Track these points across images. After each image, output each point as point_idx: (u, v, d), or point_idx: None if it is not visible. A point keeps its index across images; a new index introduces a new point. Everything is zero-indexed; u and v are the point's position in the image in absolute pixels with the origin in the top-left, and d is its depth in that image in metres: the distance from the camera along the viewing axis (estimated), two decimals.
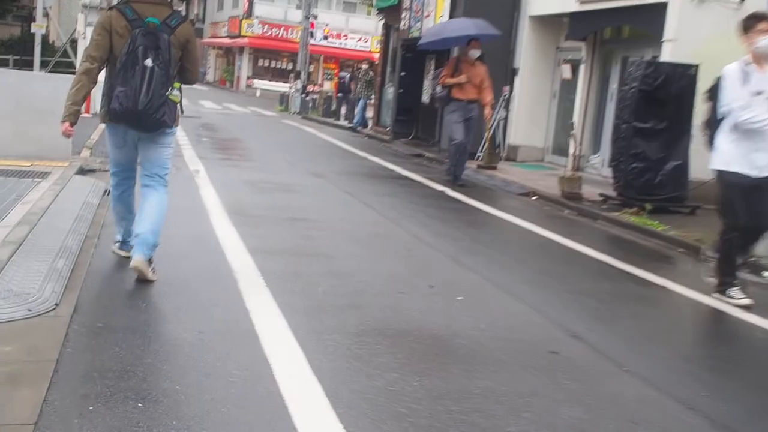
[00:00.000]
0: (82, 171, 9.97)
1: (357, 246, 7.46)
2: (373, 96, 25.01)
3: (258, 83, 49.89)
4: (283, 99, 35.80)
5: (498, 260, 7.60)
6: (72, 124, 5.37)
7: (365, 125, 24.96)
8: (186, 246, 6.77)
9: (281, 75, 52.35)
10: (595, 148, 16.13)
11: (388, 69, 24.50)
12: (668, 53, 12.88)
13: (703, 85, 11.93)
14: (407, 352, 4.59)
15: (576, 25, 15.86)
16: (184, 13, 5.85)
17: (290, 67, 50.82)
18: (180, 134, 12.76)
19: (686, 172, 12.03)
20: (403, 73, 21.67)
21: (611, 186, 12.46)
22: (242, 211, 8.65)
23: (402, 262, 7.00)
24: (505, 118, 17.34)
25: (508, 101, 17.32)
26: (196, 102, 30.62)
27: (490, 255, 7.84)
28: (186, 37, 5.49)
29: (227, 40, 55.02)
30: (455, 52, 16.32)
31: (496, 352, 4.74)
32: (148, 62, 5.17)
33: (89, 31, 19.49)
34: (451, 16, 17.71)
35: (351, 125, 25.25)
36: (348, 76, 28.79)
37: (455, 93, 13.12)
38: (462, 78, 13.07)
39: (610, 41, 16.03)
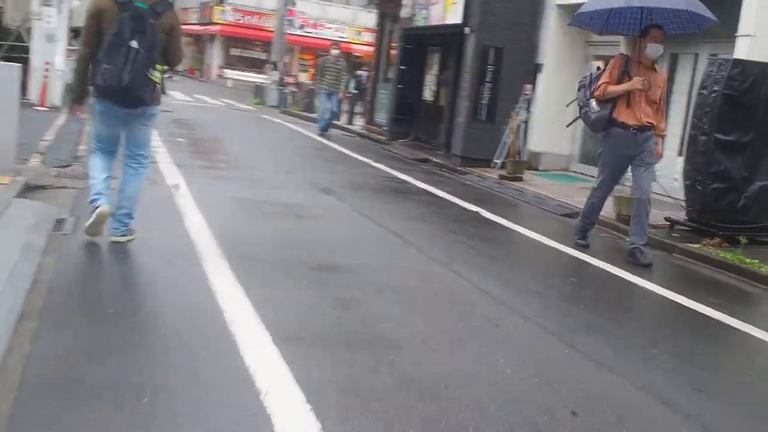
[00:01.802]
0: (28, 189, 7.60)
1: (421, 317, 5.16)
2: (340, 90, 19.97)
3: (230, 73, 47.26)
4: (259, 91, 33.45)
5: (618, 336, 5.35)
6: (80, 105, 6.08)
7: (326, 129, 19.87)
8: (176, 328, 4.46)
9: (254, 65, 49.91)
10: None
11: (383, 63, 22.21)
12: (744, 51, 10.73)
13: None
14: None
15: None
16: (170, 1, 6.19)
17: (264, 57, 48.39)
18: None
19: None
20: (402, 68, 19.36)
21: (679, 207, 10.36)
22: (245, 253, 6.34)
23: (498, 348, 4.71)
24: (526, 121, 15.10)
25: (530, 102, 15.06)
26: (166, 93, 28.06)
27: (600, 326, 5.58)
28: (171, 23, 5.92)
29: (198, 27, 52.29)
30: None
31: None
32: (134, 44, 5.54)
33: (46, 12, 17.05)
34: (466, 2, 15.42)
35: (322, 128, 19.75)
36: (366, 75, 25.28)
37: (620, 114, 7.96)
38: (636, 83, 7.86)
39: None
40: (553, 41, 15.12)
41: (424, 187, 11.99)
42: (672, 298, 6.68)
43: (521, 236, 9.01)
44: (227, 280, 5.40)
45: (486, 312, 5.52)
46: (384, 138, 19.54)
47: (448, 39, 17.49)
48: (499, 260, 7.50)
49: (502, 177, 13.72)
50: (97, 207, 5.91)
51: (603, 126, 8.17)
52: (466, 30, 15.33)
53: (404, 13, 18.66)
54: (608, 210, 10.74)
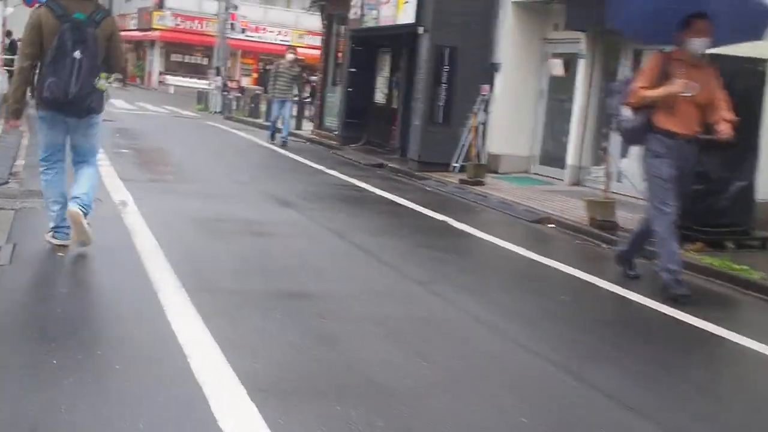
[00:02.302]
0: None
1: (412, 354, 4.54)
2: (292, 96, 18.69)
3: (171, 79, 46.18)
4: (202, 97, 32.59)
5: (628, 366, 4.81)
6: (17, 119, 6.11)
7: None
8: (134, 384, 3.79)
9: (195, 70, 48.92)
10: (597, 158, 13.55)
11: (330, 65, 21.59)
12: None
13: None
14: None
15: (574, 11, 13.19)
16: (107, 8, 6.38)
17: (205, 62, 47.38)
18: None
19: (752, 195, 9.53)
20: (352, 70, 18.74)
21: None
22: (204, 281, 5.70)
23: (505, 390, 4.14)
24: (484, 123, 14.60)
25: (487, 103, 14.57)
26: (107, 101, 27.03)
27: (606, 354, 5.06)
28: (110, 30, 6.00)
29: (137, 33, 51.04)
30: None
31: None
32: (77, 54, 5.64)
33: None
34: (418, 1, 14.86)
35: (278, 139, 18.31)
36: (317, 79, 23.90)
37: (662, 120, 6.66)
38: (677, 86, 6.60)
39: (614, 32, 13.39)
40: (509, 39, 14.64)
41: (385, 195, 11.41)
42: (669, 314, 6.17)
43: (496, 247, 8.48)
44: (188, 317, 4.76)
45: (481, 343, 4.95)
46: (335, 143, 18.93)
47: (399, 39, 16.93)
48: (479, 277, 6.95)
49: (462, 181, 13.18)
50: (64, 220, 6.01)
51: (640, 137, 6.93)
52: (420, 30, 14.78)
53: (353, 14, 18.06)
54: (581, 215, 10.30)
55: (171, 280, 5.55)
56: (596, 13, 12.78)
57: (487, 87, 14.51)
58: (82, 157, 6.21)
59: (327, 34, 21.66)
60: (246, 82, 44.25)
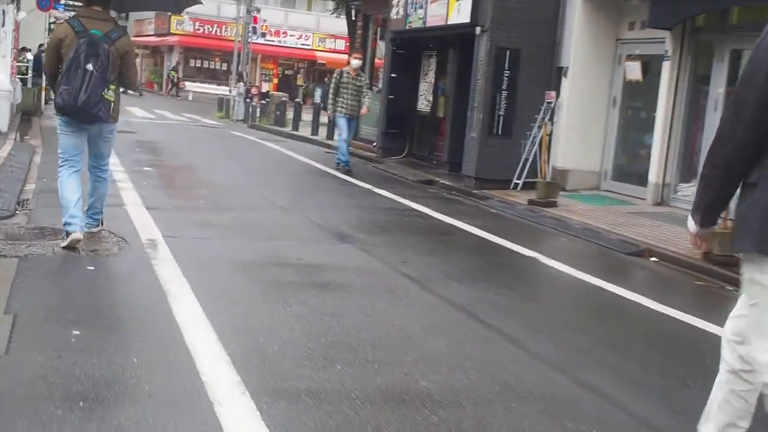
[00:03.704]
0: None
1: None
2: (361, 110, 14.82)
3: (190, 85, 44.73)
4: (223, 104, 31.15)
5: None
6: None
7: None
8: None
9: (214, 76, 47.62)
10: (686, 174, 11.88)
11: (366, 69, 19.96)
12: None
13: None
14: None
15: (660, 7, 11.52)
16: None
17: (224, 67, 46.05)
18: (114, 162, 7.99)
19: None
20: (393, 75, 17.11)
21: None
22: (272, 376, 4.08)
23: None
24: (550, 134, 12.94)
25: (553, 111, 12.91)
26: (124, 110, 25.52)
27: None
28: (125, 48, 6.56)
29: (154, 39, 49.74)
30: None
31: None
32: (89, 67, 6.21)
33: None
34: None
35: (342, 165, 14.62)
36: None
37: None
38: None
39: (706, 29, 11.75)
40: (578, 40, 12.99)
41: (451, 222, 9.81)
42: None
43: (613, 296, 6.80)
44: None
45: None
46: (374, 155, 17.35)
47: (448, 41, 15.32)
48: (627, 356, 5.22)
49: (532, 202, 11.54)
50: (71, 233, 6.32)
51: None
52: (477, 30, 13.14)
53: (394, 14, 16.44)
54: (685, 245, 8.65)
55: (229, 375, 3.96)
56: (686, 9, 11.24)
57: (552, 94, 12.86)
58: (97, 161, 6.80)
59: (363, 35, 20.03)
60: (265, 87, 42.83)
